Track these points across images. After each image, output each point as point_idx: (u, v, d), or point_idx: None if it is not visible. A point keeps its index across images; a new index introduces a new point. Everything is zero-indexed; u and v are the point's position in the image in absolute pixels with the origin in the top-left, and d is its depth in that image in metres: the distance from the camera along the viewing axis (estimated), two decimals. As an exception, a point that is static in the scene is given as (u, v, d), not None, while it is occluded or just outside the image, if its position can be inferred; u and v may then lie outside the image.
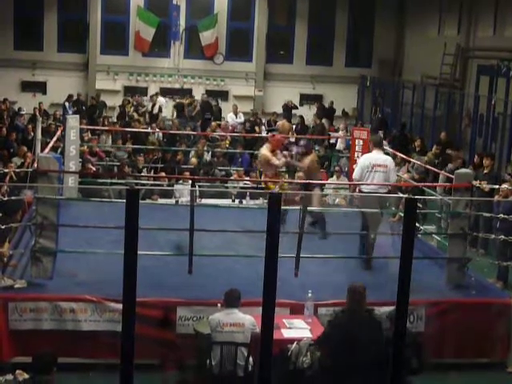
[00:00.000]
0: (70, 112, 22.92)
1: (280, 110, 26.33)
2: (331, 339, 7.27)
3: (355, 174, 10.80)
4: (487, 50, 20.64)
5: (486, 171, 13.43)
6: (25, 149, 16.39)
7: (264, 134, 22.80)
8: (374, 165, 10.57)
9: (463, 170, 10.91)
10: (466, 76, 22.06)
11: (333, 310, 8.68)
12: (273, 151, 12.09)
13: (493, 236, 11.25)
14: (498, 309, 9.44)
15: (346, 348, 6.99)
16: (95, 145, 17.54)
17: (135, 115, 23.46)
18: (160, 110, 24.86)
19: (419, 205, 11.58)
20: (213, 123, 22.84)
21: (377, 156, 10.76)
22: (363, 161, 10.78)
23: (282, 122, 23.63)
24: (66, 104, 24.75)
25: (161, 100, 25.45)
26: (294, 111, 26.57)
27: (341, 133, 22.45)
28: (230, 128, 23.01)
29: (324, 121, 24.44)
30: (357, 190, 11.07)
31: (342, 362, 6.95)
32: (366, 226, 10.48)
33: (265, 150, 12.13)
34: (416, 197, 4.89)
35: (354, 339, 6.96)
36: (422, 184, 13.32)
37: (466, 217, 9.85)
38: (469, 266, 10.00)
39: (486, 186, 10.90)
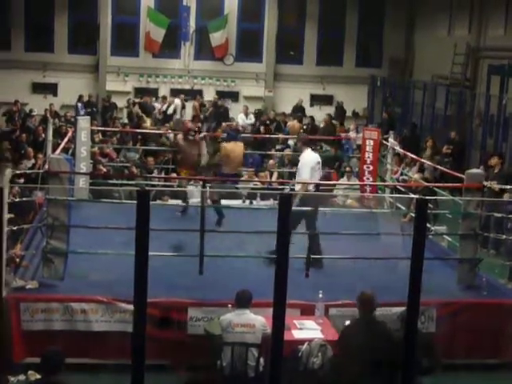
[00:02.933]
0: (82, 113, 22.94)
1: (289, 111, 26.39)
2: (344, 348, 7.30)
3: (307, 175, 10.70)
4: (498, 50, 20.57)
5: (495, 171, 13.38)
6: (31, 150, 16.40)
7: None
8: (317, 162, 10.80)
9: (474, 170, 10.88)
10: (477, 76, 21.99)
11: (344, 310, 8.70)
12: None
13: (504, 236, 11.22)
14: (509, 309, 9.41)
15: (358, 355, 7.00)
16: (106, 146, 17.57)
17: (144, 116, 23.50)
18: (175, 111, 24.85)
19: (430, 205, 11.55)
20: (223, 124, 22.85)
21: (315, 155, 11.05)
22: (310, 161, 10.78)
23: (292, 123, 23.67)
24: (79, 105, 24.77)
25: (176, 101, 25.38)
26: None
27: (351, 133, 22.41)
28: (241, 129, 23.00)
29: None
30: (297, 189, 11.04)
31: (355, 369, 6.98)
32: (311, 225, 10.54)
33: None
34: (427, 197, 4.90)
35: (364, 347, 6.97)
36: (433, 184, 13.28)
37: (476, 217, 9.83)
38: (480, 267, 9.97)
39: (496, 186, 10.86)
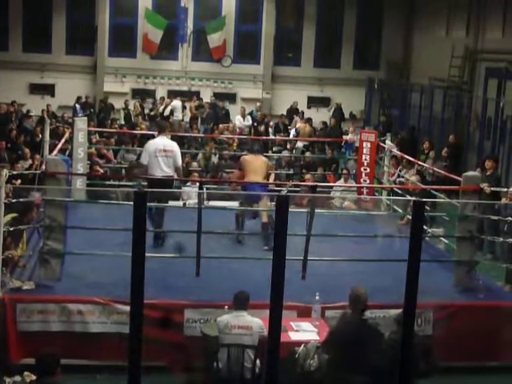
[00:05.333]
0: (81, 114, 22.91)
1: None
2: (334, 344, 7.32)
3: (143, 160, 11.15)
4: (496, 53, 20.59)
5: (488, 173, 13.36)
6: (28, 151, 16.36)
7: (271, 136, 22.88)
8: (159, 150, 10.99)
9: (471, 173, 10.89)
10: (474, 78, 22.00)
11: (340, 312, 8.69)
12: None
13: (501, 239, 11.23)
14: (506, 312, 9.41)
15: (348, 352, 7.02)
16: (103, 147, 17.56)
17: (139, 118, 23.52)
18: (172, 112, 24.80)
19: (427, 207, 11.56)
20: (220, 125, 22.86)
21: (161, 141, 11.20)
22: (148, 146, 11.18)
23: (303, 126, 23.57)
24: (77, 106, 24.75)
25: (176, 103, 25.25)
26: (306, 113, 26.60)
27: (350, 135, 22.40)
28: (238, 130, 23.04)
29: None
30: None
31: (345, 366, 6.99)
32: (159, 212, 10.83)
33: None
34: (424, 200, 4.90)
35: (355, 343, 6.98)
36: (430, 187, 13.30)
37: (473, 220, 9.83)
38: (477, 269, 9.98)
39: (487, 189, 10.86)
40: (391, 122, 25.13)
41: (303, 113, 25.76)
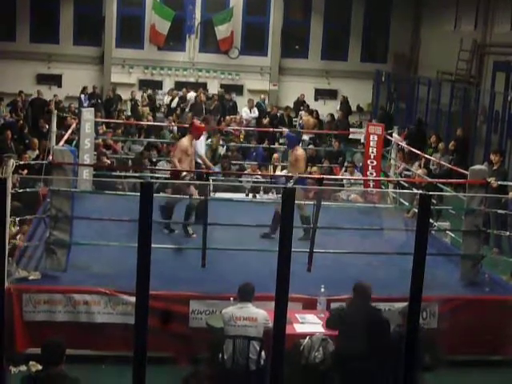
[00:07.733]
0: (86, 104, 22.94)
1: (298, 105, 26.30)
2: (333, 325, 7.42)
3: None
4: (504, 46, 20.51)
5: (494, 167, 13.33)
6: (36, 141, 16.41)
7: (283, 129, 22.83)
8: None
9: (478, 167, 10.87)
10: (482, 72, 21.93)
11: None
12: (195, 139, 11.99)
13: (508, 233, 11.21)
14: (511, 306, 9.40)
15: (347, 336, 7.10)
16: (110, 138, 17.58)
17: (147, 110, 23.49)
18: (178, 104, 24.77)
19: (433, 201, 11.54)
20: (227, 117, 22.85)
21: None
22: None
23: (306, 118, 23.55)
24: (82, 96, 24.76)
25: (192, 96, 25.19)
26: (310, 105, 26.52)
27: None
28: (245, 122, 23.01)
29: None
30: None
31: (350, 349, 7.05)
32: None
33: (185, 139, 11.94)
34: (430, 193, 4.87)
35: (354, 328, 7.04)
36: (437, 180, 13.27)
37: (480, 213, 9.82)
38: (483, 263, 9.97)
39: (494, 183, 10.85)
40: (390, 116, 24.96)
41: (308, 106, 25.66)
